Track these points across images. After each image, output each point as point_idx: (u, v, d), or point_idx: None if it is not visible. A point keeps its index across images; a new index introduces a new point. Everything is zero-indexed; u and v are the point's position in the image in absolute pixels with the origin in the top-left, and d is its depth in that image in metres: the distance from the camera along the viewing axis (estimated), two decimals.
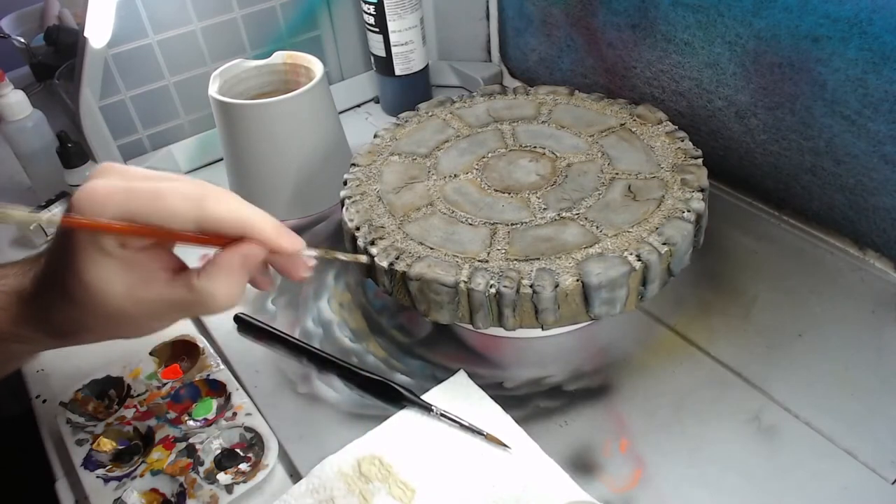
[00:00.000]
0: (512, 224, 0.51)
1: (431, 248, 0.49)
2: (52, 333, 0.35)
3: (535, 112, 0.64)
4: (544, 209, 0.52)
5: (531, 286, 0.45)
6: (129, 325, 0.34)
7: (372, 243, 0.50)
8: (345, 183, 0.58)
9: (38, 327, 0.35)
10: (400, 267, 0.48)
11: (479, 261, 0.48)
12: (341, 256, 0.42)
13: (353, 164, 0.59)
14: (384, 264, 0.48)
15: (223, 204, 0.32)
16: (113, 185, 0.31)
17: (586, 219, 0.51)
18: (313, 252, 0.37)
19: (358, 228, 0.52)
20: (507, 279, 0.46)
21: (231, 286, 0.33)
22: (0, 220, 0.29)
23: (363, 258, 0.48)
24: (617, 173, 0.55)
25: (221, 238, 0.32)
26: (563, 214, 0.51)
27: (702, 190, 0.51)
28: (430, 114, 0.66)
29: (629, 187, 0.53)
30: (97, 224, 0.30)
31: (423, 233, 0.51)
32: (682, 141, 0.57)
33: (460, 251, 0.49)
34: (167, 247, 0.34)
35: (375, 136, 0.63)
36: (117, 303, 0.32)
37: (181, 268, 0.34)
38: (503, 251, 0.49)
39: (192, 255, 0.36)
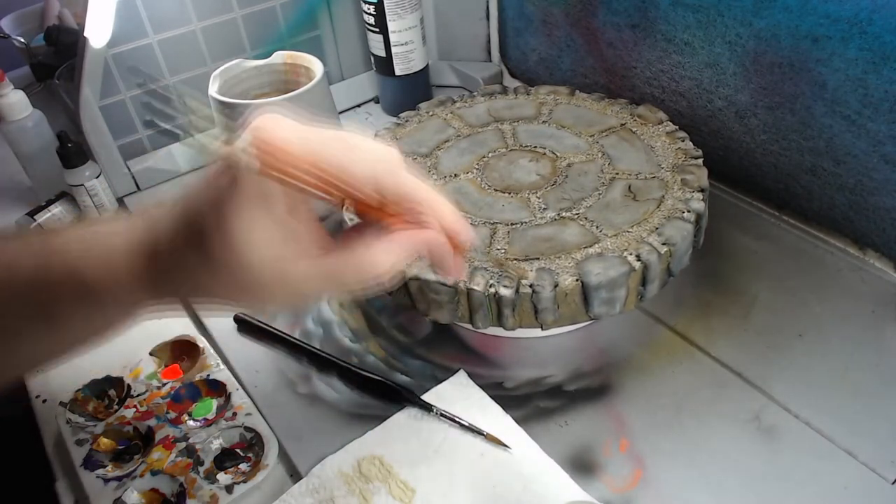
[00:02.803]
0: (512, 224, 0.51)
1: None
2: (168, 294, 0.31)
3: (535, 112, 0.64)
4: (544, 209, 0.52)
5: (531, 286, 0.45)
6: (267, 297, 0.30)
7: None
8: None
9: (154, 287, 0.30)
10: None
11: (478, 260, 0.48)
12: (515, 268, 0.42)
13: None
14: None
15: (415, 182, 0.30)
16: (301, 132, 0.28)
17: (586, 219, 0.50)
18: (480, 253, 0.35)
19: None
20: (506, 279, 0.46)
21: (397, 262, 0.30)
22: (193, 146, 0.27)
23: (525, 271, 0.46)
24: (617, 173, 0.55)
25: (397, 216, 0.30)
26: (563, 214, 0.51)
27: (702, 190, 0.51)
28: (430, 113, 0.66)
29: (629, 187, 0.53)
30: (296, 176, 0.27)
31: None
32: (683, 141, 0.57)
33: None
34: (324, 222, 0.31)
35: (376, 136, 0.63)
36: (264, 275, 0.28)
37: (331, 245, 0.31)
38: (503, 251, 0.49)
39: None
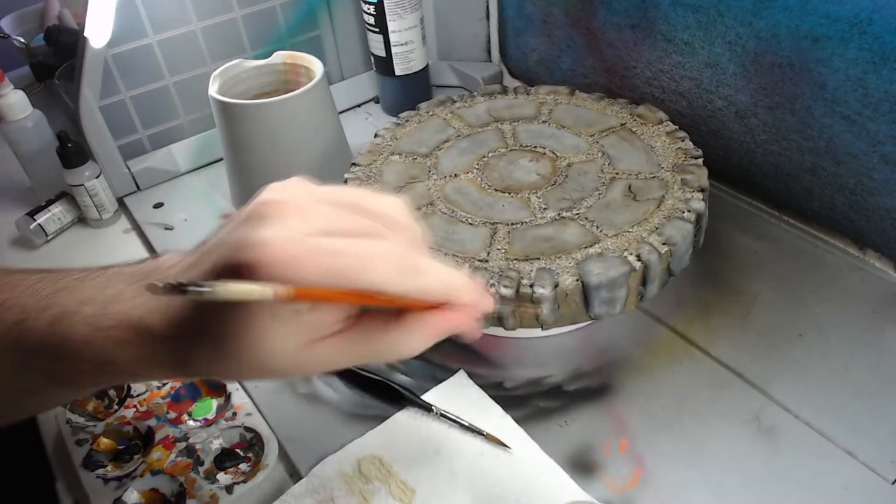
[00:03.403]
0: (512, 224, 0.51)
1: (431, 248, 0.49)
2: (182, 374, 0.31)
3: (535, 112, 0.64)
4: (544, 209, 0.52)
5: (531, 286, 0.45)
6: (287, 375, 0.31)
7: None
8: (345, 182, 0.58)
9: (158, 365, 0.30)
10: None
11: (478, 260, 0.48)
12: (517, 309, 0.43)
13: (354, 164, 0.59)
14: None
15: (433, 275, 0.29)
16: (308, 245, 0.26)
17: (586, 219, 0.50)
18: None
19: None
20: (506, 279, 0.46)
21: (426, 344, 0.30)
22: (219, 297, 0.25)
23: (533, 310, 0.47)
24: (617, 173, 0.55)
25: (423, 303, 0.30)
26: (564, 214, 0.51)
27: (702, 190, 0.51)
28: (430, 113, 0.66)
29: (629, 187, 0.53)
30: (325, 296, 0.27)
31: None
32: (683, 141, 0.57)
33: (460, 251, 0.49)
34: None
35: (376, 136, 0.63)
36: (286, 362, 0.28)
37: (354, 314, 0.30)
38: (503, 251, 0.49)
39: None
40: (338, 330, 0.29)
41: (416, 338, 0.30)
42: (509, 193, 0.54)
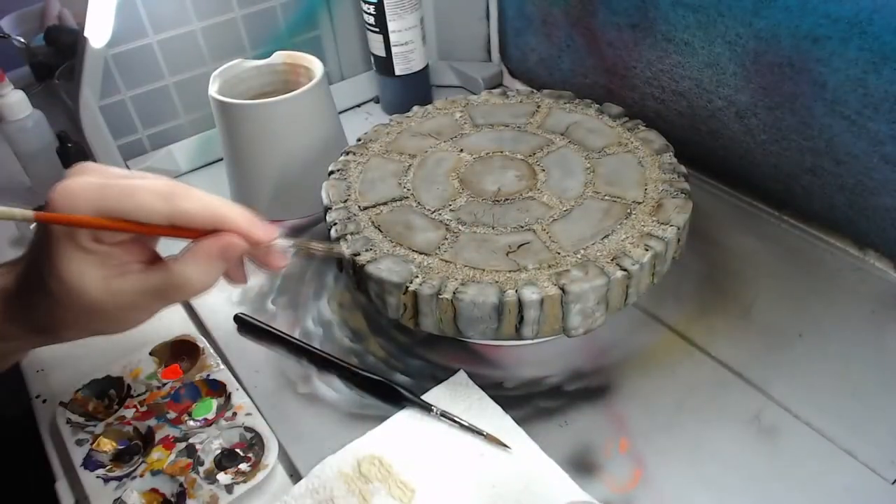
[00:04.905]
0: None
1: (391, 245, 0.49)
2: (35, 330, 0.36)
3: (528, 120, 0.63)
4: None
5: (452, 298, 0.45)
6: (108, 318, 0.35)
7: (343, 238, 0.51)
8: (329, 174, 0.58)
9: (22, 325, 0.36)
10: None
11: (425, 255, 0.48)
12: (317, 247, 0.42)
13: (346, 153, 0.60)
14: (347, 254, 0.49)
15: (192, 200, 0.33)
16: (88, 181, 0.32)
17: (547, 234, 0.50)
18: (288, 242, 0.38)
19: (335, 222, 0.52)
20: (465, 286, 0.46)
21: (207, 272, 0.34)
22: None
23: (339, 249, 0.50)
24: (598, 192, 0.53)
25: (195, 231, 0.34)
26: (534, 227, 0.50)
27: (677, 228, 0.49)
28: (425, 114, 0.65)
29: (608, 208, 0.51)
30: (68, 219, 0.31)
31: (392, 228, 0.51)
32: (677, 175, 0.54)
33: (411, 244, 0.49)
34: (143, 240, 0.36)
35: (365, 134, 0.63)
36: (94, 296, 0.33)
37: (157, 258, 0.36)
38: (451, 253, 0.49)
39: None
40: (138, 268, 0.35)
41: (194, 266, 0.34)
42: (484, 199, 0.54)
